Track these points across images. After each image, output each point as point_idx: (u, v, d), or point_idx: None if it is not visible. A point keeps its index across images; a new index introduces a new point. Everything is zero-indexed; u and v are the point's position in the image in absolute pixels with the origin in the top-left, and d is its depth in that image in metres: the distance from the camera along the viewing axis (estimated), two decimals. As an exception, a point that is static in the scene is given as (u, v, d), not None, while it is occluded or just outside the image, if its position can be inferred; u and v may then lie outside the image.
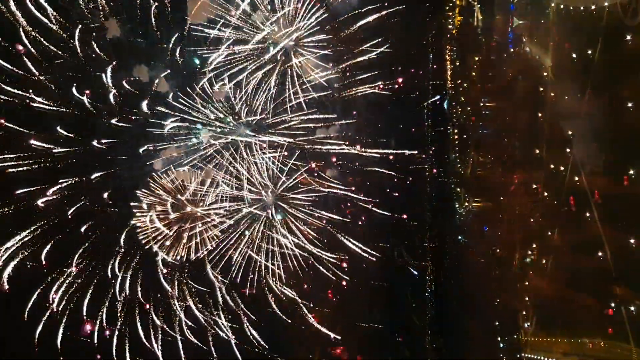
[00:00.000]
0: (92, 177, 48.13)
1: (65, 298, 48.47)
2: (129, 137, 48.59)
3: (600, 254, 54.19)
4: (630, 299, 51.68)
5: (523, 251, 60.92)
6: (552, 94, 58.36)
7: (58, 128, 46.93)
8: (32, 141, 46.23)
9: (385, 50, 53.35)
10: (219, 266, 50.08)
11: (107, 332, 49.93)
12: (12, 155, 45.83)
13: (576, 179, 56.28)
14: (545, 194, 59.03)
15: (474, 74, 64.09)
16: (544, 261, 58.90)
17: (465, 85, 64.42)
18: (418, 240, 63.87)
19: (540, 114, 59.11)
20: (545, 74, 59.18)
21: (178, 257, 49.23)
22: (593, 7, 55.60)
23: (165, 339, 50.77)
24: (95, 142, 47.91)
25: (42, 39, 45.75)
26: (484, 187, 64.12)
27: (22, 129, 46.24)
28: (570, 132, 56.76)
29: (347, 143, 51.30)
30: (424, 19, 62.00)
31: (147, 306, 50.24)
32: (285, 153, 49.83)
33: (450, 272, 64.18)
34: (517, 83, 61.37)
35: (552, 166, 58.47)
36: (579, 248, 56.14)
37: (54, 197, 47.16)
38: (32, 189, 46.66)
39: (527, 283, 60.60)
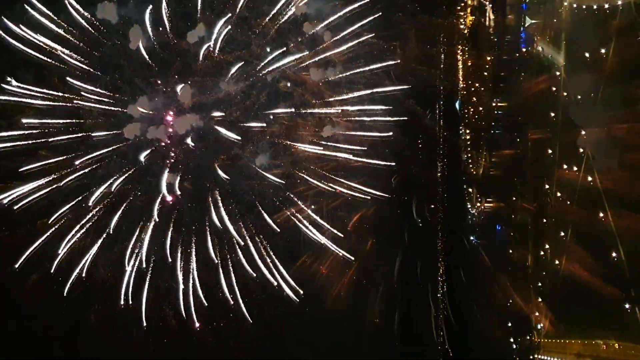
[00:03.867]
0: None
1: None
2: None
3: (614, 254, 53.81)
4: (645, 300, 51.41)
5: (536, 252, 60.63)
6: (565, 94, 58.10)
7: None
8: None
9: (397, 50, 53.70)
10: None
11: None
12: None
13: (589, 178, 55.93)
14: (558, 194, 58.68)
15: (486, 74, 63.84)
16: (557, 262, 58.53)
17: (477, 85, 64.18)
18: (430, 241, 63.88)
19: (553, 114, 58.84)
20: (558, 73, 58.95)
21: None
22: (607, 5, 55.34)
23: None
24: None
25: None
26: (496, 188, 63.81)
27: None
28: (583, 132, 56.44)
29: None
30: (436, 18, 61.92)
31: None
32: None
33: (462, 273, 63.89)
34: (530, 83, 61.12)
35: (565, 166, 58.11)
36: (592, 249, 55.79)
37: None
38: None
39: (540, 284, 60.23)
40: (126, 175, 46.47)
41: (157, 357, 53.16)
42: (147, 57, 45.50)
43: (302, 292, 50.92)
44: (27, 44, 44.91)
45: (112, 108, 45.85)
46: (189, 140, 47.16)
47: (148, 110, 45.90)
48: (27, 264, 47.15)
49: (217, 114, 46.85)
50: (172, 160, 47.01)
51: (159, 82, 46.07)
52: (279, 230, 49.01)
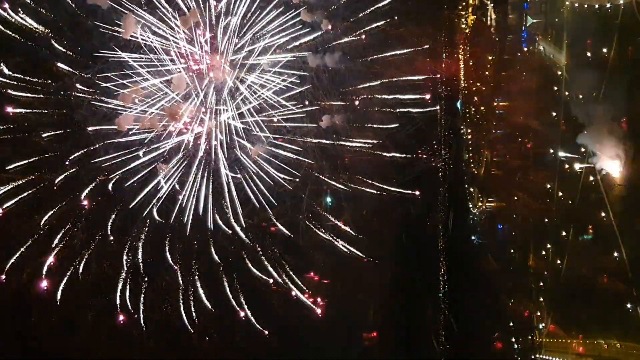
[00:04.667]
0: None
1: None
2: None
3: (616, 254, 53.82)
4: (647, 300, 51.41)
5: (537, 252, 60.58)
6: (567, 93, 58.08)
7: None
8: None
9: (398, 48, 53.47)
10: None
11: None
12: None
13: (591, 178, 55.96)
14: (560, 193, 58.66)
15: (487, 73, 63.80)
16: (559, 262, 58.52)
17: (478, 84, 64.12)
18: (432, 240, 63.79)
19: (554, 113, 58.82)
20: (559, 72, 58.92)
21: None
22: (608, 5, 55.39)
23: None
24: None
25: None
26: (498, 187, 63.76)
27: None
28: (585, 131, 56.41)
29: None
30: (437, 18, 61.97)
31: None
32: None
33: (464, 272, 63.84)
34: (531, 82, 61.06)
35: (566, 166, 58.11)
36: (594, 248, 55.80)
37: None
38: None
39: (541, 284, 60.22)
40: (123, 170, 45.37)
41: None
42: (141, 43, 43.69)
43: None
44: (12, 28, 43.28)
45: (104, 98, 43.89)
46: (184, 131, 45.72)
47: (141, 99, 44.15)
48: (18, 263, 46.26)
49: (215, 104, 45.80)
50: (167, 153, 45.69)
51: (153, 69, 44.17)
52: (282, 226, 48.61)
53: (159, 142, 45.09)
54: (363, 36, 48.61)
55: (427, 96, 53.90)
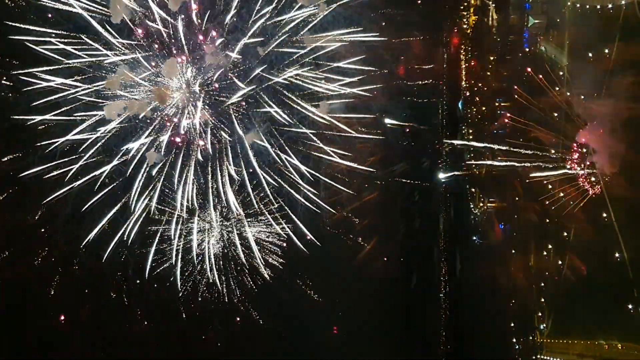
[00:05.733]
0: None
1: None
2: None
3: (617, 255, 53.71)
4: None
5: (538, 252, 60.50)
6: (568, 94, 58.01)
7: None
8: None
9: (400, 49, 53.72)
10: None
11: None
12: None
13: (593, 179, 55.91)
14: (562, 194, 58.55)
15: (489, 73, 63.83)
16: (560, 262, 58.43)
17: (480, 84, 64.18)
18: (433, 241, 63.91)
19: (556, 114, 58.76)
20: (561, 73, 58.87)
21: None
22: (610, 5, 55.44)
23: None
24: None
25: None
26: (499, 188, 63.70)
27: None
28: (586, 132, 56.40)
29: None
30: (439, 18, 62.18)
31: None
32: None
33: (465, 273, 63.86)
34: (533, 83, 61.02)
35: (568, 166, 58.05)
36: (595, 249, 55.68)
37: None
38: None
39: (542, 284, 60.11)
40: (114, 164, 44.24)
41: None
42: (133, 27, 42.07)
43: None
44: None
45: (90, 86, 42.26)
46: (175, 119, 44.28)
47: (129, 88, 42.71)
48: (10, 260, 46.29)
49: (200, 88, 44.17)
50: (158, 141, 44.72)
51: (142, 55, 42.43)
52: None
53: (153, 130, 44.27)
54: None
55: (428, 91, 54.08)
